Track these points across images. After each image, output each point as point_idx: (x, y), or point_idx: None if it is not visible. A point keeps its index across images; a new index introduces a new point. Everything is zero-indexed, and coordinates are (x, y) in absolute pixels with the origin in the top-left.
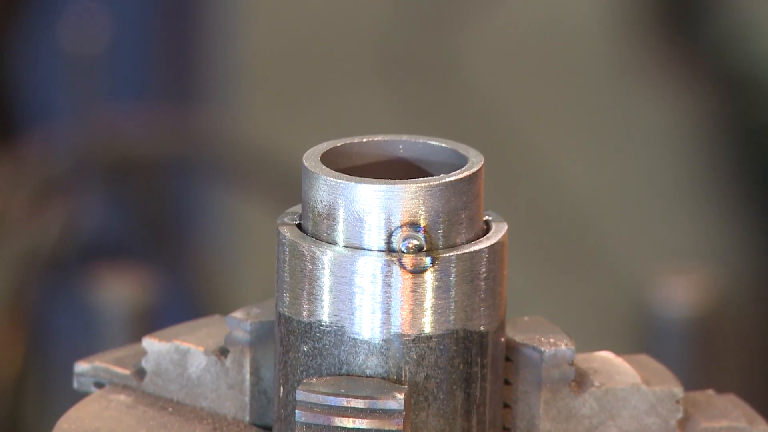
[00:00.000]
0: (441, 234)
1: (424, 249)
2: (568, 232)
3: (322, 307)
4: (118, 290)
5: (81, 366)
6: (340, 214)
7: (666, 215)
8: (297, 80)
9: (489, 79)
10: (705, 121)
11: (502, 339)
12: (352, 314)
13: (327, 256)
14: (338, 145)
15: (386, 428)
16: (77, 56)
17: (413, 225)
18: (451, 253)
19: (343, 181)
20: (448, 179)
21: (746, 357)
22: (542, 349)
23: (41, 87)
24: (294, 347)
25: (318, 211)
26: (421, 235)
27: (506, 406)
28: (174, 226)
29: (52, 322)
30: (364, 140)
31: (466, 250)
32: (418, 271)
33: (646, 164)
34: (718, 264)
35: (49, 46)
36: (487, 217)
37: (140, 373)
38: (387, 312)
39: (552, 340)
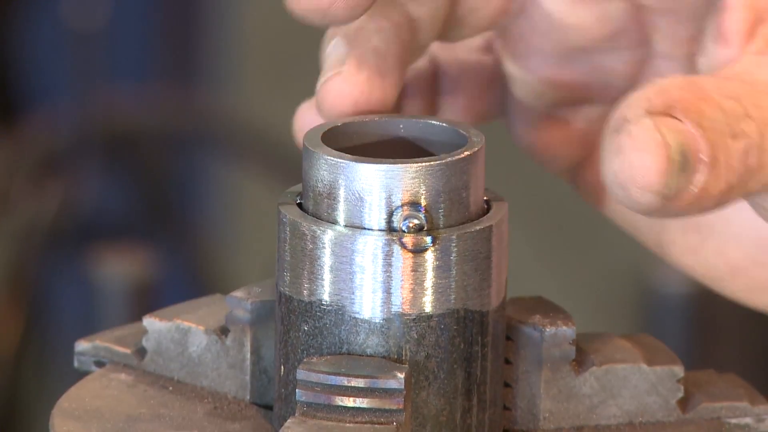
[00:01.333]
0: (442, 213)
1: (425, 228)
2: (569, 211)
3: (323, 287)
4: (118, 268)
5: (81, 345)
6: (341, 194)
7: None
8: (298, 57)
9: None
10: None
11: (503, 318)
12: (353, 293)
13: (327, 236)
14: (339, 124)
15: (387, 407)
16: (78, 34)
17: (414, 204)
18: (451, 233)
19: (343, 161)
20: (448, 159)
21: (747, 335)
22: (543, 328)
23: (42, 64)
24: (294, 326)
25: (319, 191)
26: (421, 215)
27: (507, 385)
28: (174, 205)
29: (52, 299)
30: (365, 119)
31: (467, 230)
32: (418, 251)
33: None
34: None
35: (50, 23)
36: (487, 197)
37: (141, 352)
38: (387, 291)
39: (553, 319)
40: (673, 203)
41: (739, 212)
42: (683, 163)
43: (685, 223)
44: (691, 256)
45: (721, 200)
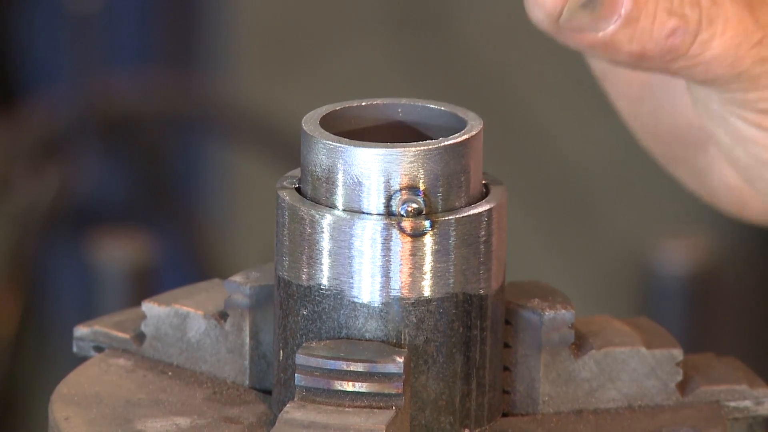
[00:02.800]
0: (440, 197)
1: (424, 212)
2: (568, 195)
3: (322, 271)
4: (116, 252)
5: (80, 330)
6: (339, 178)
7: (667, 175)
8: (297, 41)
9: (490, 39)
10: None
11: (502, 302)
12: (352, 278)
13: (326, 220)
14: (337, 108)
15: (386, 392)
16: (76, 17)
17: (412, 188)
18: (450, 217)
19: (342, 145)
20: (447, 143)
21: (746, 318)
22: (542, 312)
23: (40, 48)
24: (293, 311)
25: (317, 175)
26: (420, 199)
27: (506, 369)
28: (173, 189)
29: (50, 283)
30: (363, 104)
31: (466, 214)
32: (417, 235)
33: None
34: (717, 224)
35: (48, 7)
36: (486, 180)
37: (140, 337)
38: (386, 275)
39: (551, 303)
40: (573, 35)
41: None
42: (586, 2)
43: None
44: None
45: (634, 62)
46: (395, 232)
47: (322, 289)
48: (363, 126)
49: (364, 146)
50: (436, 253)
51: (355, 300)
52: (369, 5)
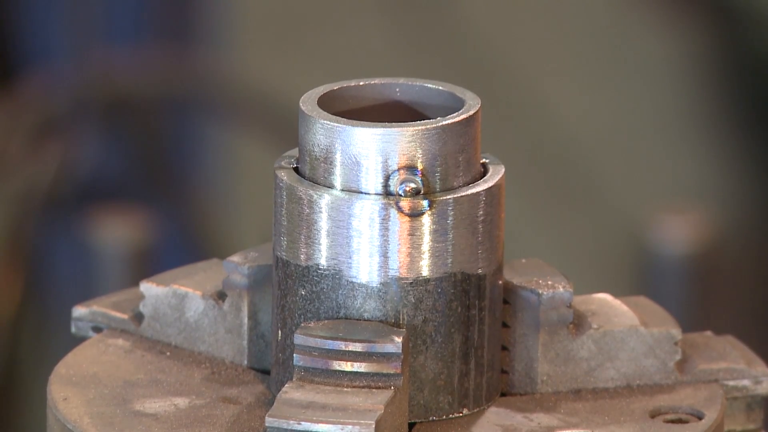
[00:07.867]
0: (438, 177)
1: (422, 192)
2: (567, 173)
3: (320, 251)
4: (116, 231)
5: (79, 310)
6: (337, 158)
7: (665, 153)
8: (298, 19)
9: (489, 17)
10: (705, 56)
11: (500, 282)
12: (350, 258)
13: (324, 200)
14: (335, 88)
15: (384, 371)
16: None
17: (410, 168)
18: (448, 196)
19: (340, 125)
20: (445, 122)
21: (745, 297)
22: (540, 291)
23: (39, 26)
24: (292, 291)
25: (315, 155)
26: (418, 179)
27: (504, 348)
28: (173, 168)
29: (50, 262)
30: (361, 83)
31: (464, 193)
32: (415, 215)
33: (645, 101)
34: (716, 201)
35: None
36: (484, 160)
37: (138, 317)
38: (385, 255)
39: (550, 282)
40: None
41: None
42: None
43: None
44: None
45: None
46: (393, 212)
47: (320, 269)
48: (361, 105)
49: (362, 126)
50: (434, 232)
51: (354, 280)
52: None
